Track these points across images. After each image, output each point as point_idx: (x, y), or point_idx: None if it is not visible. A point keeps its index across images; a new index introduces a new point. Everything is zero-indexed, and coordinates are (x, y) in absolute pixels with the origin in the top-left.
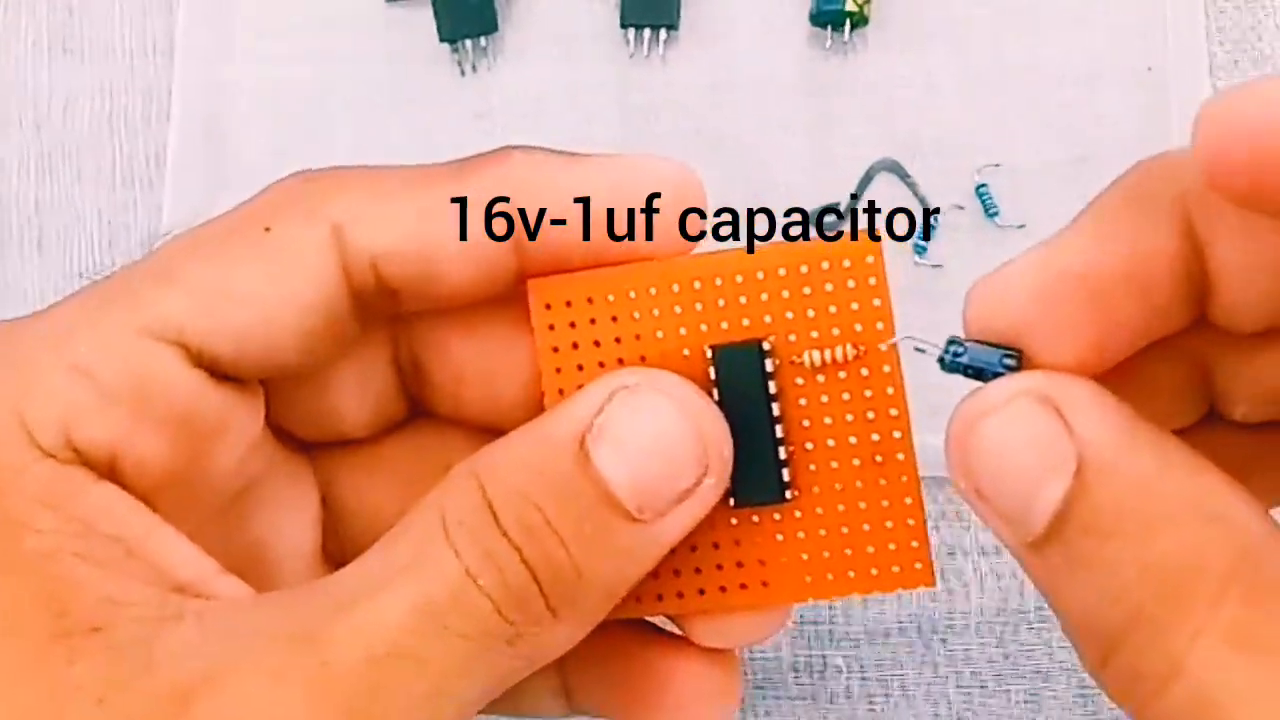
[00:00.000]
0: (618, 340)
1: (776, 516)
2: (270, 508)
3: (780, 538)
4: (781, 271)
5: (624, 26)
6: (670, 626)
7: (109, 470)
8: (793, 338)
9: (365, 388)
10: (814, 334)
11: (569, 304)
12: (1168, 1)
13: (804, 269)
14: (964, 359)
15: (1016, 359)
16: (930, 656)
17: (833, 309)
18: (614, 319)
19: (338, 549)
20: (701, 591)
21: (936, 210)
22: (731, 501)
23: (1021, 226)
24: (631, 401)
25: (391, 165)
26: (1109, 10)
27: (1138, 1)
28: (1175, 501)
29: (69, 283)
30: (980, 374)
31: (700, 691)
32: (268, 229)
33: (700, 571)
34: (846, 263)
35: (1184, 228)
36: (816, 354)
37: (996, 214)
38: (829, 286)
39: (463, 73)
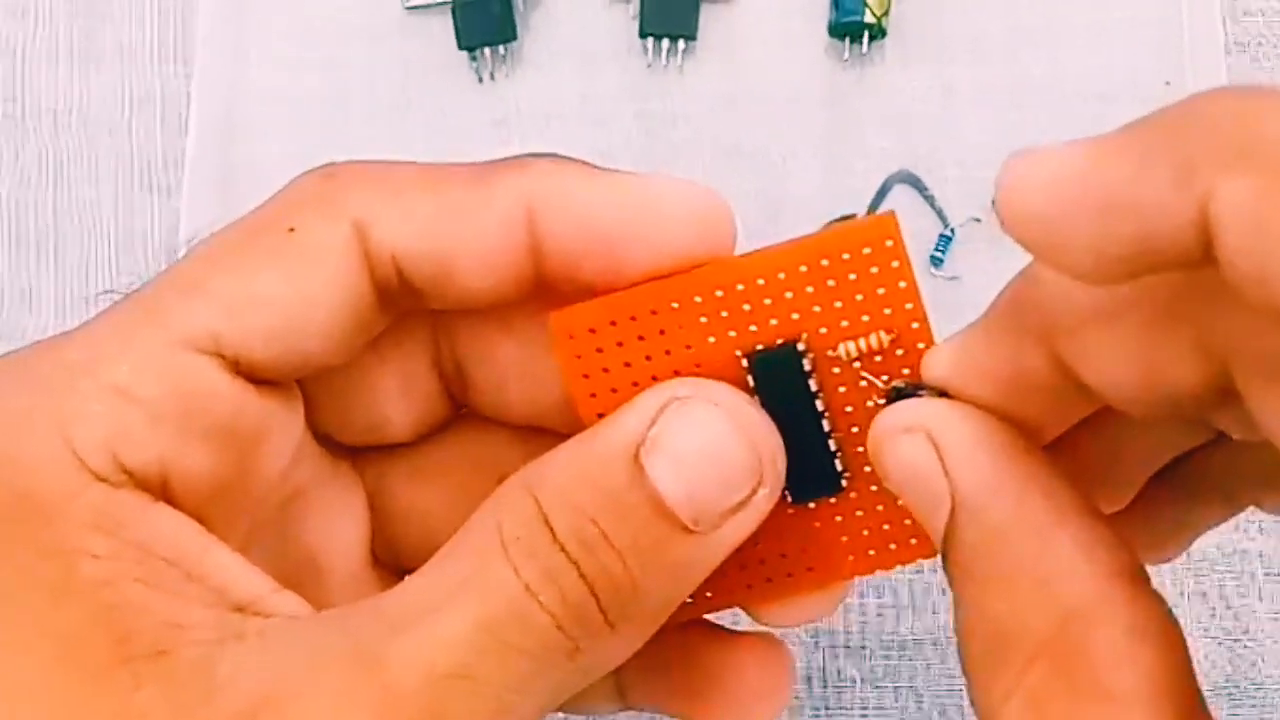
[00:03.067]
0: (648, 358)
1: (833, 501)
2: (318, 515)
3: (839, 519)
4: (803, 268)
5: (643, 36)
6: (722, 620)
7: (160, 489)
8: (824, 330)
9: (408, 391)
10: (844, 324)
11: (593, 330)
12: (1186, 16)
13: (825, 262)
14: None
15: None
16: (946, 669)
17: (859, 297)
18: (640, 338)
19: (387, 553)
20: (769, 580)
21: (953, 230)
22: (789, 498)
23: None
24: (684, 413)
25: (414, 162)
26: (1127, 24)
27: (1156, 15)
28: (1013, 560)
29: (86, 288)
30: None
31: (754, 686)
32: (291, 229)
33: (765, 563)
34: (867, 250)
35: (1052, 352)
36: (852, 345)
37: None
38: (853, 276)
39: (481, 80)
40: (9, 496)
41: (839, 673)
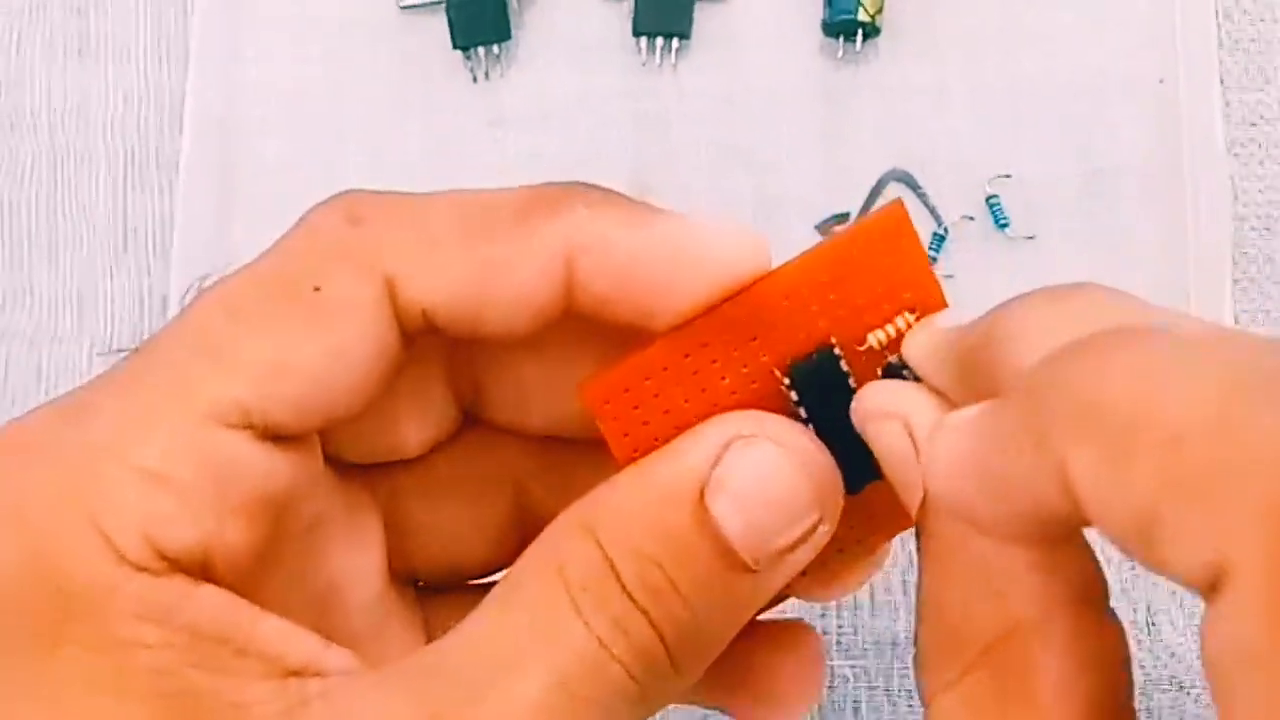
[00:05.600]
0: (686, 401)
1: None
2: (336, 541)
3: (883, 488)
4: (824, 278)
5: (637, 35)
6: None
7: (199, 569)
8: (850, 328)
9: (421, 409)
10: (868, 317)
11: (627, 390)
12: (1179, 14)
13: (843, 267)
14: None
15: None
16: None
17: (879, 288)
18: (676, 384)
19: (402, 566)
20: (822, 564)
21: (946, 229)
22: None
23: (1031, 238)
24: (748, 454)
25: (441, 197)
26: (1120, 22)
27: (1149, 13)
28: (971, 561)
29: (81, 286)
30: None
31: (788, 675)
32: (317, 288)
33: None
34: (881, 243)
35: None
36: (880, 333)
37: (1006, 225)
38: (870, 271)
39: (475, 80)
40: (47, 593)
41: (832, 671)
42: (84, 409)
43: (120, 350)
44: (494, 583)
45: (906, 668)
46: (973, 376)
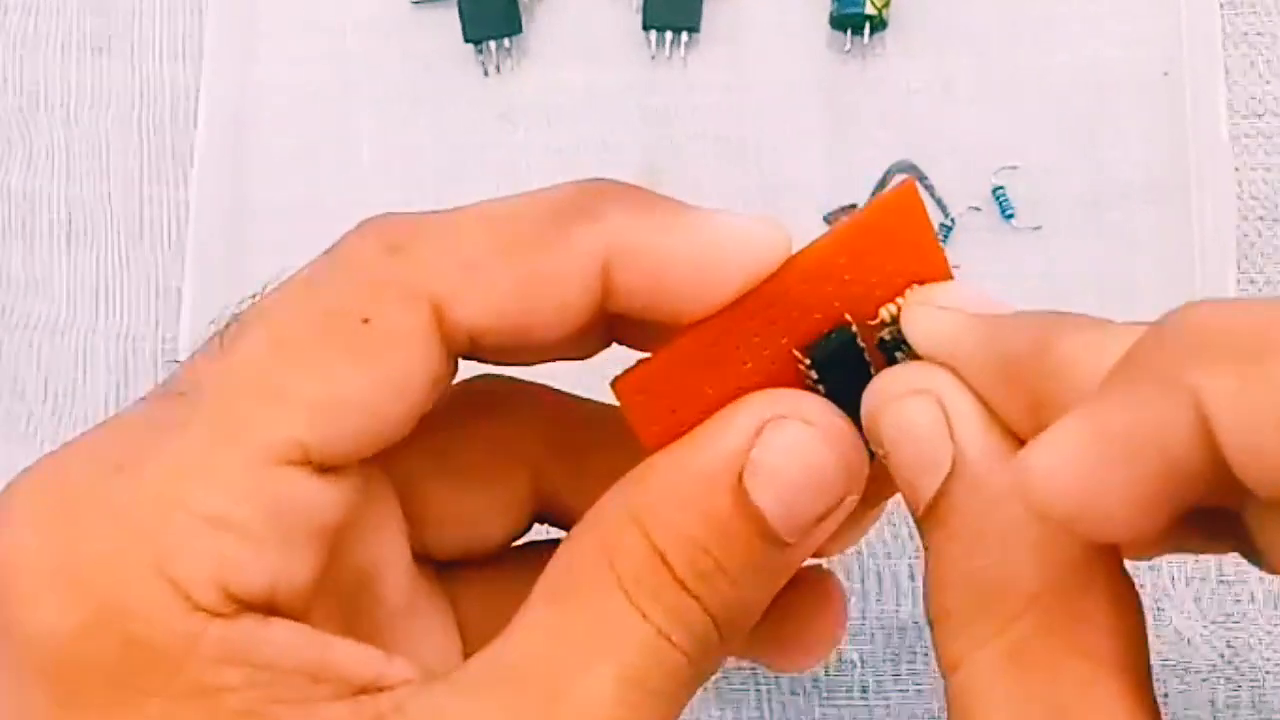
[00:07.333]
0: (710, 388)
1: None
2: (365, 534)
3: None
4: (840, 260)
5: (646, 29)
6: None
7: (268, 605)
8: (863, 304)
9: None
10: (879, 292)
11: (656, 383)
12: (1184, 6)
13: (858, 247)
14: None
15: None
16: None
17: (890, 265)
18: (701, 373)
19: (422, 549)
20: None
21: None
22: None
23: (1037, 228)
24: (781, 435)
25: (471, 211)
26: (1125, 15)
27: (1154, 6)
28: (1009, 524)
29: (97, 278)
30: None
31: (811, 619)
32: (366, 320)
33: None
34: (894, 223)
35: (1037, 422)
36: (892, 306)
37: (1013, 216)
38: (882, 249)
39: (486, 73)
40: (122, 648)
41: (839, 655)
42: (135, 459)
43: (173, 361)
44: (513, 554)
45: (914, 652)
46: (1018, 381)
